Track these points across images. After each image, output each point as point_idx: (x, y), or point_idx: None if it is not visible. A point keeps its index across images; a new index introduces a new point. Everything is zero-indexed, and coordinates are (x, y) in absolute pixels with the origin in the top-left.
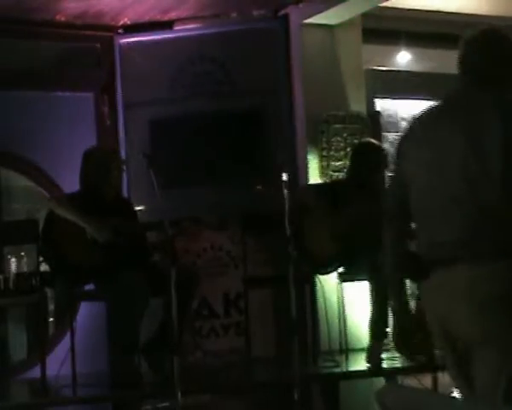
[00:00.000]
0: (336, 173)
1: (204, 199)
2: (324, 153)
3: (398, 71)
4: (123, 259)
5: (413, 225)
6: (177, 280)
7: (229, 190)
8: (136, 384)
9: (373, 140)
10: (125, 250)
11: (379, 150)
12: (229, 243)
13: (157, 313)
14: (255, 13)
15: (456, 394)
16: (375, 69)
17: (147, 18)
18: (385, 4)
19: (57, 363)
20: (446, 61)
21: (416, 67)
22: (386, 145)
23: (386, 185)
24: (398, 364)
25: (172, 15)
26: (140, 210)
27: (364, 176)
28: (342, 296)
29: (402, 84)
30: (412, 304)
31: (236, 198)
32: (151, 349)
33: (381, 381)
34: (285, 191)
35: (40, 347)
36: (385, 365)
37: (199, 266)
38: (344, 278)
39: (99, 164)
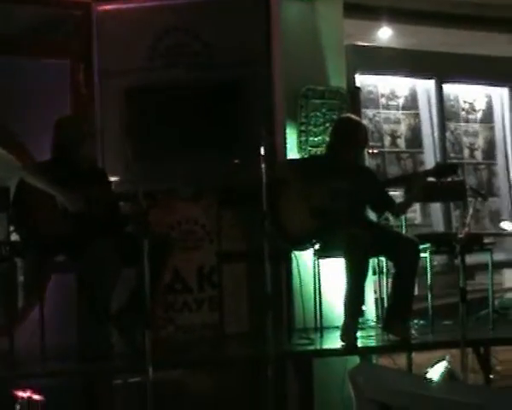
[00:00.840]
0: (315, 149)
1: (179, 171)
2: (303, 128)
3: (379, 47)
4: (95, 228)
5: None
6: (151, 247)
7: (206, 163)
8: (107, 356)
9: (353, 116)
10: (98, 220)
11: (358, 126)
12: (204, 217)
13: (129, 284)
14: None
15: (429, 374)
16: (355, 44)
17: None
18: None
19: (26, 335)
20: (428, 38)
21: (397, 44)
22: (365, 122)
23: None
24: (372, 343)
25: None
26: (114, 181)
27: (343, 152)
28: (318, 273)
29: (383, 61)
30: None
31: (213, 171)
32: (122, 319)
33: (355, 360)
34: (262, 165)
35: (8, 318)
36: (359, 343)
37: (172, 239)
38: (320, 254)
39: (71, 132)
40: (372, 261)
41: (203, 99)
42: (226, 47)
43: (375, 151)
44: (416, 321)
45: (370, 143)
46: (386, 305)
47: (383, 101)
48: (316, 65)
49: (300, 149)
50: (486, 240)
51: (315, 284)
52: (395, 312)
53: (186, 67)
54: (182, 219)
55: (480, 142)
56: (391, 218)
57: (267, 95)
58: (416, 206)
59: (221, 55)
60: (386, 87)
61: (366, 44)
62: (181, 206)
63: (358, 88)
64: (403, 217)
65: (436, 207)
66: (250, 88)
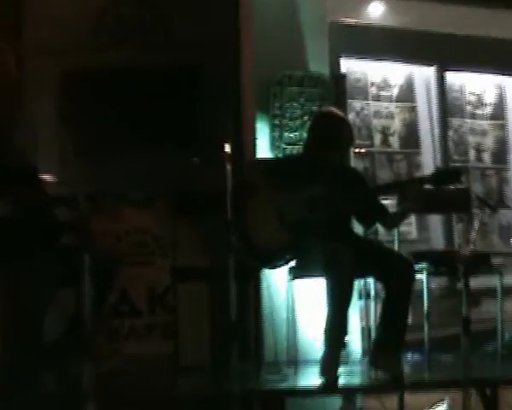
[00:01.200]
0: (291, 147)
1: (128, 170)
2: (276, 121)
3: (369, 26)
4: (24, 239)
5: None
6: (93, 262)
7: (160, 162)
8: (38, 395)
9: (335, 109)
10: (28, 228)
11: (342, 122)
12: (157, 226)
13: (67, 307)
14: None
15: None
16: (341, 22)
17: None
18: None
19: None
20: (428, 16)
21: (390, 22)
22: (351, 116)
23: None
24: (357, 380)
25: None
26: (48, 181)
27: (324, 152)
28: (293, 296)
29: (373, 42)
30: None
31: (167, 171)
32: (57, 352)
33: (336, 400)
34: (227, 166)
35: None
36: (341, 381)
37: (119, 253)
38: (296, 273)
39: None
40: (358, 283)
41: (157, 85)
42: (186, 23)
43: (363, 151)
44: (409, 355)
45: (357, 142)
46: (374, 335)
47: (373, 91)
48: (293, 46)
49: (273, 146)
50: (495, 260)
51: (289, 308)
52: (385, 344)
53: (137, 46)
54: (130, 229)
55: (489, 142)
56: (381, 231)
57: (234, 81)
58: (412, 218)
59: (180, 33)
60: (378, 74)
61: (353, 22)
62: (129, 212)
63: (344, 75)
64: (395, 231)
65: (435, 220)
66: (214, 73)
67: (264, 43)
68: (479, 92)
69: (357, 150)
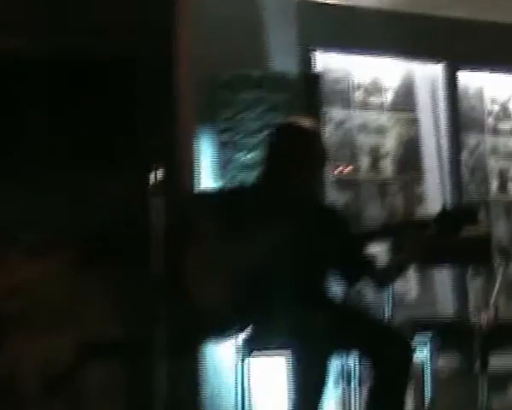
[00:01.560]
0: (245, 172)
1: (21, 204)
2: (225, 138)
3: (354, 7)
4: None
5: None
6: None
7: (64, 192)
8: None
9: (304, 120)
10: None
11: (312, 137)
12: (59, 280)
13: None
14: None
15: None
16: (314, 2)
17: None
18: None
19: None
20: None
21: (382, 2)
22: (328, 129)
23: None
24: None
25: None
26: None
27: (287, 176)
28: (246, 377)
29: (359, 30)
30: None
31: (74, 205)
32: None
33: None
34: (157, 200)
35: None
36: None
37: (5, 315)
38: (250, 346)
39: None
40: (335, 363)
41: (58, 85)
42: (96, 6)
43: (347, 170)
44: None
45: (335, 164)
46: None
47: (359, 96)
48: (248, 36)
49: (221, 172)
50: None
51: (240, 395)
52: None
53: (29, 34)
54: (21, 283)
55: None
56: (368, 291)
57: (167, 84)
58: (411, 273)
59: (87, 19)
60: (365, 74)
61: (331, 2)
62: (18, 261)
63: (318, 74)
64: (387, 290)
65: (443, 276)
66: (140, 72)
67: (208, 32)
68: (503, 99)
69: (337, 170)
